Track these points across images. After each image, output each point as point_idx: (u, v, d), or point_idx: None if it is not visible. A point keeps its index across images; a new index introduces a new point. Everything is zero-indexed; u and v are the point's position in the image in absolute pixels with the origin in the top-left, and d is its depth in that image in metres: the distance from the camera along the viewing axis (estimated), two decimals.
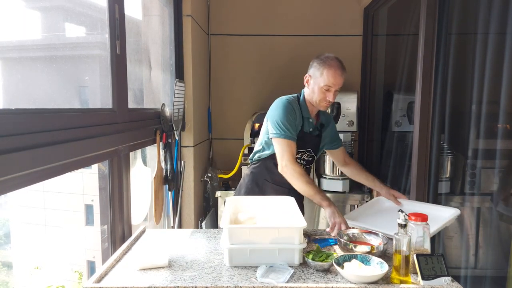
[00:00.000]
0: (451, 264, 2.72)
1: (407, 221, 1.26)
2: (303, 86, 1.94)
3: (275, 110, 1.84)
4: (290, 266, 1.34)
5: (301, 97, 1.92)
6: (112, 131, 1.55)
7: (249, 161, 2.06)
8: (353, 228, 1.65)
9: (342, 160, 2.12)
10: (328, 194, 2.86)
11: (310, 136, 1.92)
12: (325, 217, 2.93)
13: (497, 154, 2.49)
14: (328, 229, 1.68)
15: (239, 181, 2.13)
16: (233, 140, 3.30)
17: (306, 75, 1.88)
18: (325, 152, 2.85)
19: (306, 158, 1.95)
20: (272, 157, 1.88)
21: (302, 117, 1.87)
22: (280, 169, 1.77)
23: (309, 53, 3.36)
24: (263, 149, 1.95)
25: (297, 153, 1.87)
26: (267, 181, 1.94)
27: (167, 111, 2.24)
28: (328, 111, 2.92)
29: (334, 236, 1.62)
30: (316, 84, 1.81)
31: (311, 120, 1.91)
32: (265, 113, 1.95)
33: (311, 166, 2.08)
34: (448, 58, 2.08)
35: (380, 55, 3.21)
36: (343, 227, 1.61)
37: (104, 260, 1.59)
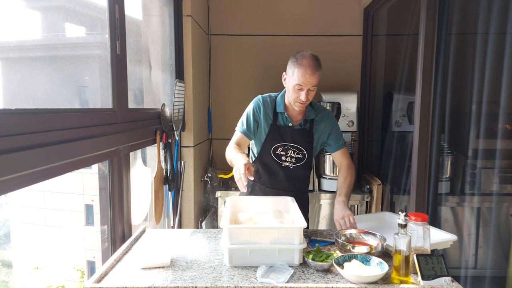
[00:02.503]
0: (451, 264, 2.73)
1: (407, 221, 1.26)
2: None
3: None
4: (290, 266, 1.34)
5: (281, 93, 1.92)
6: (112, 131, 1.55)
7: None
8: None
9: (338, 162, 1.97)
10: (328, 194, 2.89)
11: (289, 129, 1.87)
12: (325, 217, 2.94)
13: (497, 154, 2.49)
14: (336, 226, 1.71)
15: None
16: None
17: (284, 73, 1.84)
18: (324, 151, 2.88)
19: (294, 155, 1.89)
20: (258, 158, 1.93)
21: (275, 112, 1.88)
22: None
23: None
24: (250, 152, 2.03)
25: (277, 148, 1.88)
26: (255, 182, 1.95)
27: (167, 111, 2.24)
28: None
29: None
30: (289, 83, 1.78)
31: (286, 115, 1.87)
32: None
33: (308, 167, 1.96)
34: (448, 58, 2.08)
35: (380, 55, 3.21)
36: None
37: (104, 260, 1.59)
